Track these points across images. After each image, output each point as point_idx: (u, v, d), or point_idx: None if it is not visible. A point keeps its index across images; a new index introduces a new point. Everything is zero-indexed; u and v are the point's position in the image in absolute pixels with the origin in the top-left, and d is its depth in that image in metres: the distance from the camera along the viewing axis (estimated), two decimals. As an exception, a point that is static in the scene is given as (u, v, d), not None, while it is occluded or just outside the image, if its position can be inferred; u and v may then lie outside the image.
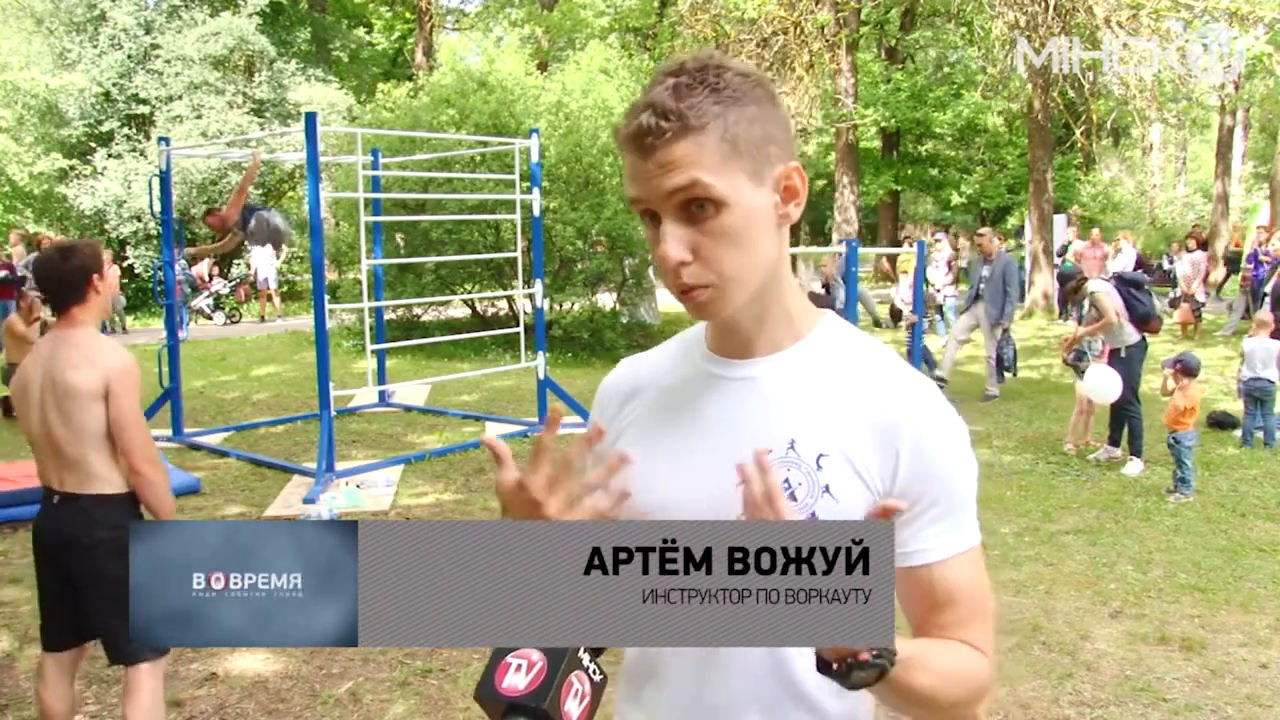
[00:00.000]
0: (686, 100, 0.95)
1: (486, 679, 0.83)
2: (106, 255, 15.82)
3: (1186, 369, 6.19)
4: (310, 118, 6.65)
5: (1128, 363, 6.83)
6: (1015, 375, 9.73)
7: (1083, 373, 6.92)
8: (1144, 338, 6.93)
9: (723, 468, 1.04)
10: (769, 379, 1.07)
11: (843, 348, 1.08)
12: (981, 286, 9.36)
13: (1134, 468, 6.83)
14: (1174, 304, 14.58)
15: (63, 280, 2.80)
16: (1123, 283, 6.97)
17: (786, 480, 1.01)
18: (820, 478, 1.01)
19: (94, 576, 2.75)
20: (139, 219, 17.67)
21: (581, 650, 0.84)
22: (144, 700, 2.81)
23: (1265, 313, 8.43)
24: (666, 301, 16.08)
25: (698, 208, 0.96)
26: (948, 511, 1.02)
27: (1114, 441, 7.07)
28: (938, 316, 13.21)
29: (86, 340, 2.80)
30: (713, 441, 1.07)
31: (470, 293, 13.93)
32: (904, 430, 1.01)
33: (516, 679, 0.81)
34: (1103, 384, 6.59)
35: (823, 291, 10.62)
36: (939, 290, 13.09)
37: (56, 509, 2.82)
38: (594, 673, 0.85)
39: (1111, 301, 6.74)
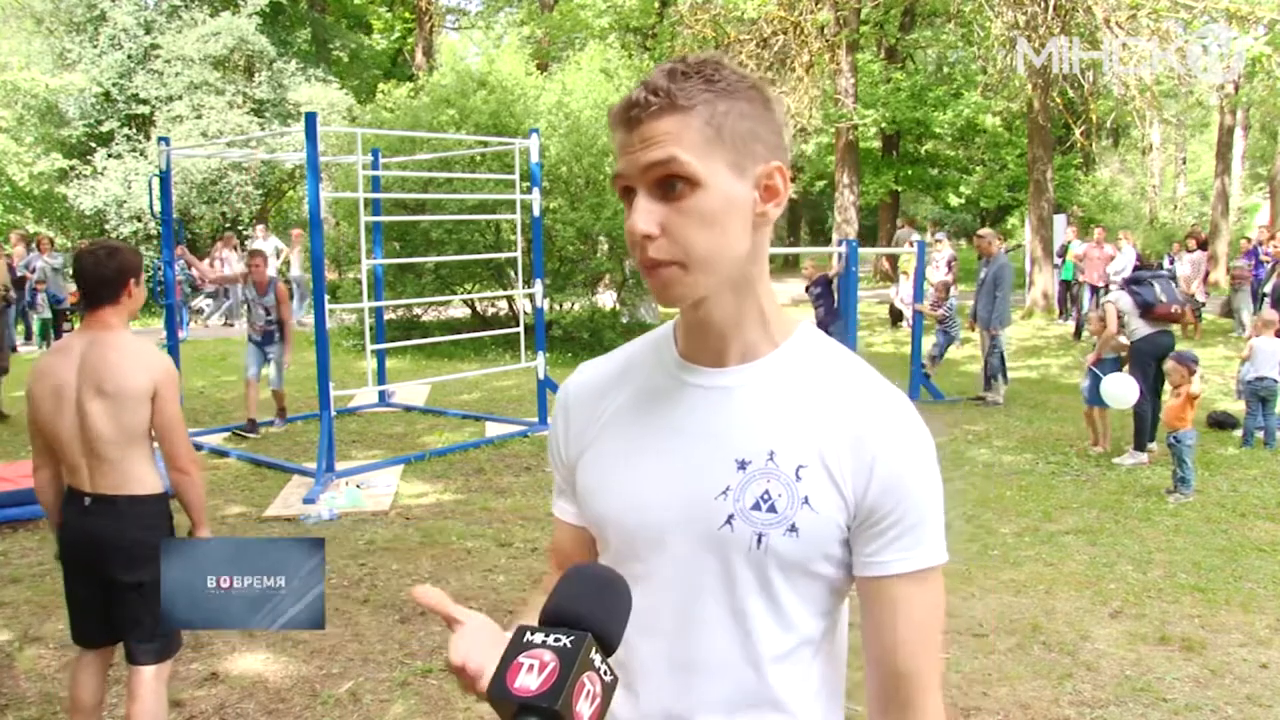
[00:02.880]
0: (679, 83, 0.98)
1: (498, 678, 0.82)
2: None
3: (1182, 360, 6.24)
4: (310, 118, 6.65)
5: (1136, 357, 6.97)
6: (1006, 382, 9.40)
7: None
8: (1160, 332, 6.96)
9: (699, 476, 1.04)
10: (746, 388, 1.06)
11: (818, 358, 1.08)
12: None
13: (1128, 459, 6.98)
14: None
15: (101, 278, 2.80)
16: (1127, 283, 7.31)
17: (766, 492, 1.01)
18: (800, 489, 1.01)
19: (127, 576, 2.77)
20: (139, 219, 17.66)
21: (594, 651, 0.83)
22: (148, 703, 2.83)
23: (1269, 312, 8.44)
24: (666, 301, 16.06)
25: (672, 186, 0.97)
26: (909, 528, 1.02)
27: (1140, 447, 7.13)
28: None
29: (128, 343, 2.81)
30: (689, 450, 1.06)
31: (470, 293, 13.93)
32: (878, 442, 1.01)
33: (529, 679, 0.81)
34: (1119, 390, 6.68)
35: (818, 291, 10.56)
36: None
37: (88, 510, 2.79)
38: (605, 673, 0.84)
39: (1113, 310, 7.09)
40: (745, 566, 1.02)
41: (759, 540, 1.01)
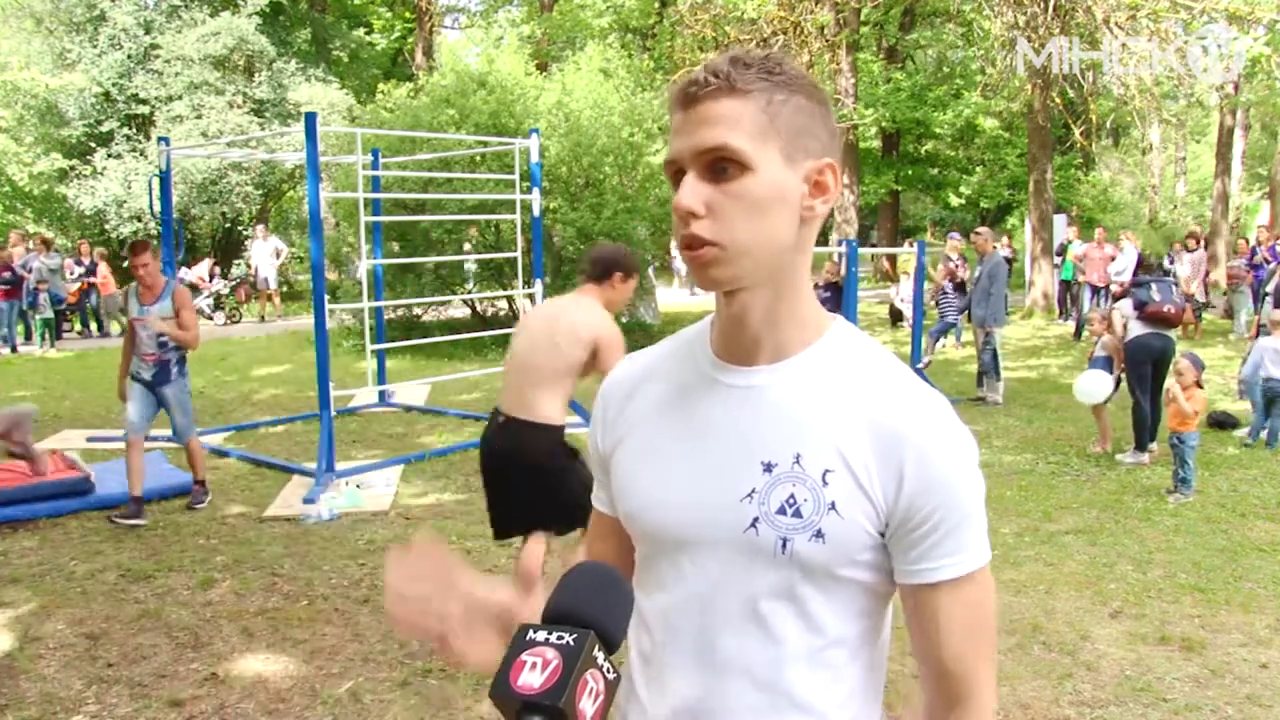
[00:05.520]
0: (739, 69, 0.99)
1: (501, 677, 0.82)
2: (101, 252, 15.79)
3: (1195, 363, 6.20)
4: (310, 118, 6.65)
5: (1127, 358, 7.00)
6: (999, 379, 9.35)
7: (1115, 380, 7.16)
8: (1150, 334, 6.92)
9: (725, 477, 1.03)
10: (775, 388, 1.04)
11: (851, 357, 1.05)
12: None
13: (1128, 458, 7.00)
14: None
15: (597, 260, 3.70)
16: (1129, 287, 7.48)
17: (792, 496, 1.00)
18: (826, 494, 0.99)
19: (524, 487, 3.58)
20: (139, 219, 17.67)
21: (596, 649, 0.83)
22: (530, 554, 3.41)
23: (1275, 312, 8.44)
24: (666, 301, 16.09)
25: (722, 169, 0.98)
26: (953, 530, 1.00)
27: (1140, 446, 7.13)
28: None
29: (589, 304, 3.63)
30: (716, 450, 1.05)
31: (470, 293, 13.93)
32: (909, 445, 0.99)
33: (532, 677, 0.80)
34: (1088, 386, 6.85)
35: (826, 294, 10.61)
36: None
37: (501, 427, 3.65)
38: (608, 671, 0.84)
39: (1118, 316, 7.21)
40: (770, 570, 1.01)
41: (784, 545, 0.99)
